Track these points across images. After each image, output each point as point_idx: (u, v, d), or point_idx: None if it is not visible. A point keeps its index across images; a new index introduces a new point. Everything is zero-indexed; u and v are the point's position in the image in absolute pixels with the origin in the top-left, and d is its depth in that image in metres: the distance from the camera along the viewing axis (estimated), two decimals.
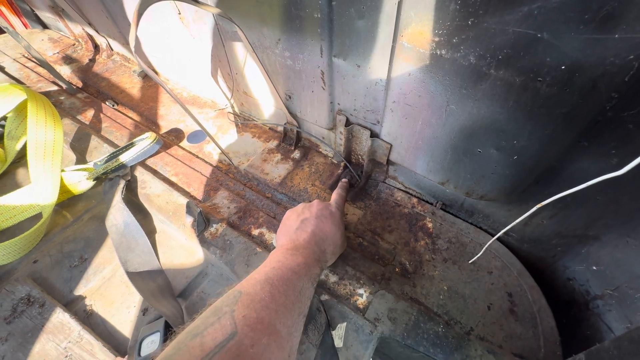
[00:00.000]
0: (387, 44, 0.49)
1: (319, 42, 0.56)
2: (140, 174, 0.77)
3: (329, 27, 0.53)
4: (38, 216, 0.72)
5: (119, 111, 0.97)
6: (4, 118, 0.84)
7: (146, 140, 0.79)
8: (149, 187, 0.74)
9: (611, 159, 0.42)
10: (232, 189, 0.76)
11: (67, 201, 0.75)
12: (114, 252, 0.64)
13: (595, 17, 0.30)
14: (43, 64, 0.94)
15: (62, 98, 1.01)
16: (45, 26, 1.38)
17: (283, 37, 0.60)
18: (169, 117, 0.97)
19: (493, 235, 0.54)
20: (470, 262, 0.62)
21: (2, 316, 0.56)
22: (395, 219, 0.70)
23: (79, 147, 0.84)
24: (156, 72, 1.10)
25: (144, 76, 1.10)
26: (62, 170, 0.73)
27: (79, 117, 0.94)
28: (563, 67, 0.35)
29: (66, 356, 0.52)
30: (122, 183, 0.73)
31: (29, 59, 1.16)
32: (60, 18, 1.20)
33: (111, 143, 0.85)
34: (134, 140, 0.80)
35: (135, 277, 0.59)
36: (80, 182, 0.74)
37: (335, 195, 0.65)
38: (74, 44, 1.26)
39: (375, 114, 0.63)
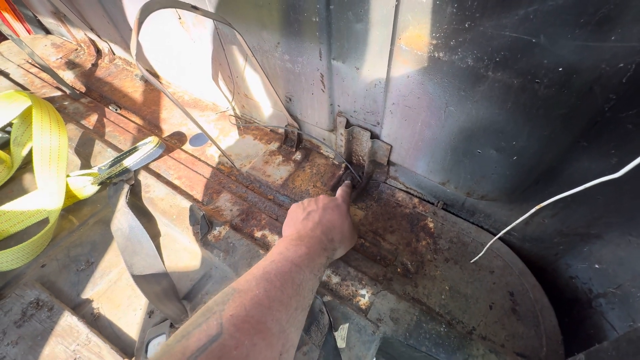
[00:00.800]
0: (385, 46, 0.49)
1: (317, 45, 0.56)
2: (144, 177, 0.78)
3: (327, 30, 0.53)
4: (45, 221, 0.73)
5: (122, 115, 0.98)
6: (10, 124, 0.85)
7: (149, 145, 0.80)
8: (152, 191, 0.75)
9: (611, 159, 0.42)
10: (234, 192, 0.77)
11: (73, 206, 0.77)
12: (119, 255, 0.65)
13: (592, 20, 0.30)
14: (46, 70, 0.95)
15: (66, 103, 1.02)
16: (47, 32, 1.40)
17: (282, 40, 0.61)
18: (171, 120, 0.98)
19: (495, 235, 0.54)
20: (471, 261, 0.62)
21: (12, 320, 0.58)
22: (396, 220, 0.71)
23: (84, 152, 0.85)
24: (157, 76, 1.11)
25: (146, 80, 1.11)
26: (68, 176, 0.75)
27: (82, 122, 0.95)
28: (560, 69, 0.35)
29: (75, 358, 0.53)
30: (126, 187, 0.74)
31: (33, 65, 1.17)
32: (63, 24, 1.21)
33: (115, 147, 0.86)
34: (137, 144, 0.81)
35: (141, 280, 0.60)
36: (85, 187, 0.75)
37: (340, 191, 0.65)
38: (76, 49, 1.27)
39: (375, 115, 0.63)
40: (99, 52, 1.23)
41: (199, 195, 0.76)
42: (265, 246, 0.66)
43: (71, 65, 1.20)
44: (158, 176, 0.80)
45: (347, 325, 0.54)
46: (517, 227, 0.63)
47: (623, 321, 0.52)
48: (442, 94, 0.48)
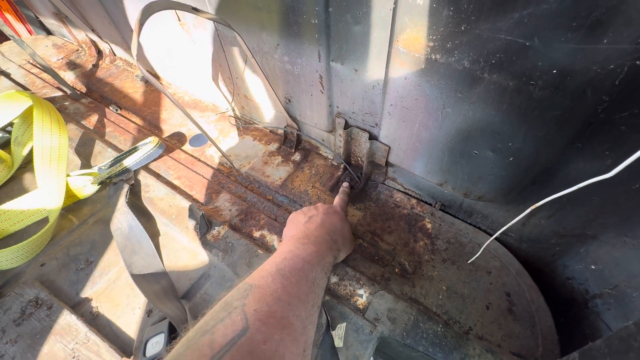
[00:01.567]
0: (383, 48, 0.50)
1: (316, 47, 0.57)
2: (144, 177, 0.78)
3: (326, 32, 0.54)
4: (45, 220, 0.73)
5: (122, 116, 0.99)
6: (11, 124, 0.86)
7: (149, 145, 0.81)
8: (152, 191, 0.76)
9: (605, 160, 0.43)
10: (233, 192, 0.77)
11: (73, 205, 0.77)
12: (119, 254, 0.66)
13: (584, 24, 0.31)
14: (48, 70, 0.96)
15: (66, 103, 1.02)
16: (49, 32, 1.40)
17: (282, 42, 0.61)
18: (171, 121, 0.98)
19: (492, 236, 0.54)
20: (469, 262, 0.63)
21: (11, 318, 0.58)
22: (394, 220, 0.71)
23: (84, 152, 0.86)
24: (158, 77, 1.12)
25: (147, 81, 1.12)
26: (68, 175, 0.75)
27: (83, 122, 0.96)
28: (555, 71, 0.36)
29: (74, 357, 0.54)
30: (126, 187, 0.74)
31: (34, 65, 1.18)
32: (64, 24, 1.22)
33: (115, 147, 0.87)
34: (138, 144, 0.82)
35: (140, 280, 0.61)
36: (85, 186, 0.76)
37: (337, 199, 0.67)
38: (77, 50, 1.28)
39: (373, 116, 0.63)
40: (99, 52, 1.23)
41: (198, 196, 0.77)
42: (264, 246, 0.66)
43: (72, 65, 1.21)
44: (158, 176, 0.80)
45: (344, 324, 0.54)
46: (514, 228, 0.64)
47: (619, 321, 0.53)
48: (439, 95, 0.48)
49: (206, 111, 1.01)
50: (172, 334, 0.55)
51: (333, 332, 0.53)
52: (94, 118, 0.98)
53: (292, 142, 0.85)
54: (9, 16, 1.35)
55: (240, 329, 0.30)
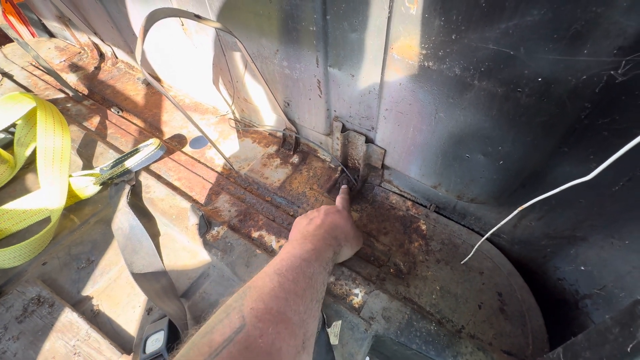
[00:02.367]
0: (379, 55, 0.52)
1: (314, 53, 0.59)
2: (145, 178, 0.80)
3: (324, 39, 0.56)
4: (47, 220, 0.75)
5: (123, 118, 1.00)
6: (14, 125, 0.87)
7: (150, 146, 0.82)
8: (153, 192, 0.77)
9: (590, 164, 0.44)
10: (232, 193, 0.79)
11: (75, 205, 0.78)
12: (119, 254, 0.67)
13: (566, 35, 0.33)
14: (51, 72, 0.97)
15: (68, 105, 1.04)
16: (52, 35, 1.42)
17: (281, 48, 0.63)
18: (172, 123, 1.00)
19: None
20: (462, 262, 0.64)
21: (13, 316, 0.59)
22: (390, 222, 0.73)
23: (86, 153, 0.87)
24: (159, 80, 1.14)
25: (148, 83, 1.14)
26: (70, 176, 0.76)
27: (85, 123, 0.97)
28: (540, 79, 0.37)
29: (75, 353, 0.55)
30: (127, 188, 0.75)
31: (37, 67, 1.19)
32: (67, 27, 1.24)
33: (116, 149, 0.88)
34: (139, 146, 0.83)
35: (140, 278, 0.62)
36: (87, 187, 0.77)
37: (338, 199, 0.68)
38: (79, 52, 1.29)
39: (369, 120, 0.65)
40: (102, 55, 1.25)
41: (198, 197, 0.78)
42: (263, 246, 0.68)
43: (74, 68, 1.23)
44: (158, 177, 0.82)
45: (340, 322, 0.55)
46: (506, 230, 0.66)
47: None
48: (432, 100, 0.50)
49: (206, 114, 1.03)
50: (172, 332, 0.56)
51: (329, 330, 0.55)
52: (95, 120, 0.99)
53: (291, 145, 0.87)
54: (12, 19, 1.37)
55: (237, 327, 0.32)
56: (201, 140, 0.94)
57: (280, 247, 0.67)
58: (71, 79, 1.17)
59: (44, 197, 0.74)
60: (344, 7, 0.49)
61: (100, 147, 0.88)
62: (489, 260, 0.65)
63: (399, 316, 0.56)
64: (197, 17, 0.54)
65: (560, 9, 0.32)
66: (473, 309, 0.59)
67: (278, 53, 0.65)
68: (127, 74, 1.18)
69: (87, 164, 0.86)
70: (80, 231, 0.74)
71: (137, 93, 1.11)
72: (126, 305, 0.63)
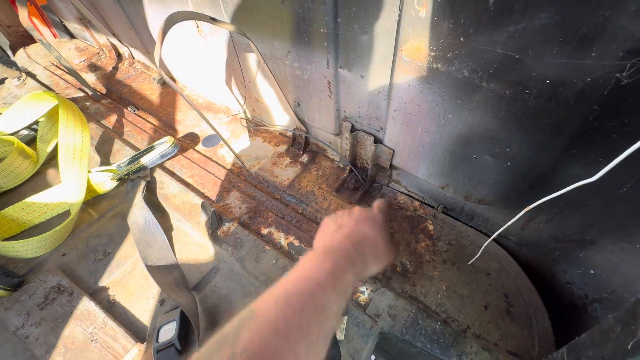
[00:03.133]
0: (388, 57, 0.53)
1: (325, 54, 0.60)
2: (159, 175, 0.83)
3: (334, 41, 0.57)
4: (66, 213, 0.78)
5: (139, 116, 1.04)
6: (37, 122, 0.91)
7: (165, 144, 0.85)
8: (166, 188, 0.80)
9: (599, 167, 0.44)
10: (243, 190, 0.81)
11: (93, 200, 0.82)
12: (134, 247, 0.70)
13: (573, 39, 0.33)
14: (71, 72, 1.01)
15: (87, 104, 1.08)
16: (72, 36, 1.48)
17: (293, 49, 0.65)
18: (186, 122, 1.03)
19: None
20: (469, 263, 0.64)
21: (35, 303, 0.62)
22: (397, 221, 0.73)
23: (104, 150, 0.91)
24: (174, 80, 1.17)
25: (163, 83, 1.17)
26: (89, 171, 0.80)
27: (103, 121, 1.01)
28: (548, 82, 0.38)
29: (92, 340, 0.58)
30: (142, 184, 0.78)
31: (58, 67, 1.24)
32: (87, 29, 1.28)
33: (132, 146, 0.92)
34: (154, 143, 0.86)
35: (154, 271, 0.64)
36: (105, 182, 0.80)
37: (377, 202, 0.57)
38: (98, 53, 1.34)
39: (378, 121, 0.66)
40: (119, 56, 1.29)
41: (210, 193, 0.80)
42: (272, 242, 0.69)
43: (93, 68, 1.27)
44: (172, 174, 0.84)
45: (346, 318, 0.57)
46: (514, 232, 0.66)
47: None
48: (440, 102, 0.51)
49: (219, 113, 1.05)
50: (184, 323, 0.58)
51: None
52: (113, 118, 1.03)
53: (300, 144, 0.89)
54: (35, 20, 1.43)
55: None
56: (213, 139, 0.96)
57: (289, 244, 0.69)
58: (90, 78, 1.22)
59: (65, 192, 0.77)
60: (355, 10, 0.50)
61: (117, 144, 0.91)
62: (496, 261, 0.65)
63: (404, 314, 0.57)
64: (213, 20, 0.56)
65: (568, 12, 0.32)
66: (479, 309, 0.59)
67: (290, 54, 0.66)
68: (143, 74, 1.22)
69: (105, 161, 0.89)
70: (98, 224, 0.77)
71: (152, 92, 1.14)
72: (140, 296, 0.66)
